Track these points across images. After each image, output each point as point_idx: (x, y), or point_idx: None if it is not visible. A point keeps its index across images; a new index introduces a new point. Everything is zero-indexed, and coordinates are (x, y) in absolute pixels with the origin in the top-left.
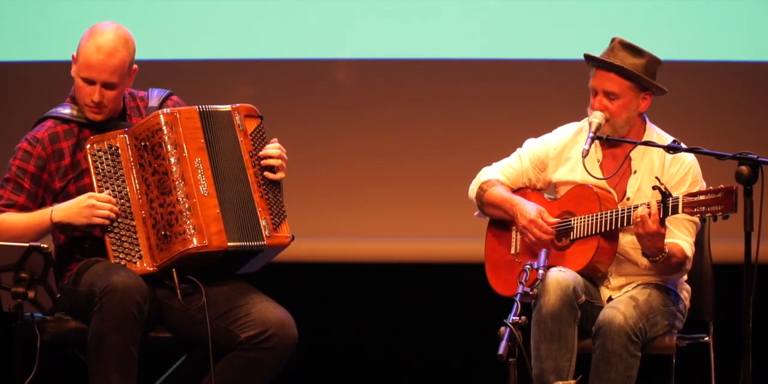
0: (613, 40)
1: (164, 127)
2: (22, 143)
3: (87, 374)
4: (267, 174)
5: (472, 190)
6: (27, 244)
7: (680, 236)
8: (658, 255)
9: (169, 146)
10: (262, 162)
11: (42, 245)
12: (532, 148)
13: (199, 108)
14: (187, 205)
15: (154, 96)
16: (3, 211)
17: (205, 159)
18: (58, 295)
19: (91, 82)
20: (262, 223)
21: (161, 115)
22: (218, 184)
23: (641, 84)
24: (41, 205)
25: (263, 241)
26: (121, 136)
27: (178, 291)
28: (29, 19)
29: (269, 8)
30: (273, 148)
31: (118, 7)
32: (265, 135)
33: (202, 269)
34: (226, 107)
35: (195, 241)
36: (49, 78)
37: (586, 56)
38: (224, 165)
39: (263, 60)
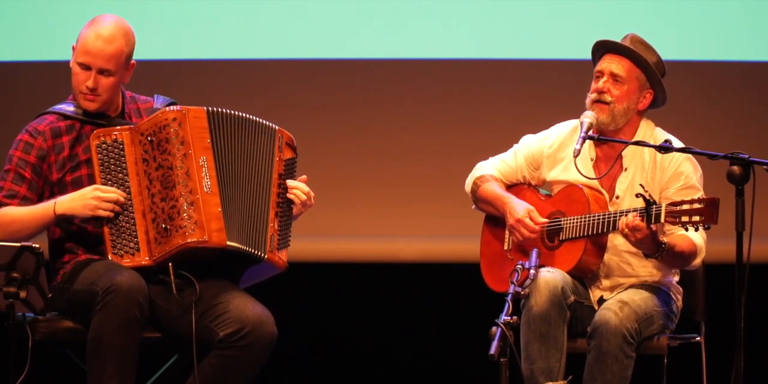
0: (626, 35)
1: (172, 123)
2: (23, 135)
3: (85, 374)
4: (291, 197)
5: (468, 184)
6: (18, 244)
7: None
8: (656, 251)
9: (176, 142)
10: (288, 190)
11: (34, 245)
12: (528, 145)
13: (207, 109)
14: (189, 200)
15: (159, 102)
16: (5, 203)
17: (210, 158)
18: (50, 295)
19: (86, 67)
20: (269, 236)
21: (170, 112)
22: (222, 184)
23: (648, 77)
24: (41, 195)
25: (265, 253)
26: (127, 131)
27: (173, 285)
28: (29, 19)
29: (269, 8)
30: (302, 186)
31: (118, 6)
32: (295, 170)
33: (195, 267)
34: (273, 125)
35: (195, 235)
36: (49, 78)
37: (600, 42)
38: (236, 169)
39: (263, 60)
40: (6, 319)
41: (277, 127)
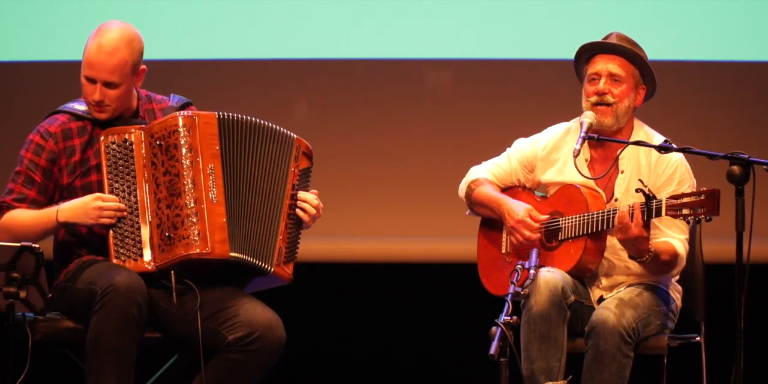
0: (610, 34)
1: (181, 129)
2: (34, 135)
3: (84, 373)
4: (298, 212)
5: (462, 189)
6: (18, 244)
7: (672, 235)
8: (644, 255)
9: (184, 149)
10: (298, 203)
11: (33, 245)
12: (521, 148)
13: (218, 114)
14: (194, 210)
15: (175, 101)
16: (14, 206)
17: (218, 166)
18: (50, 295)
19: (92, 80)
20: (278, 249)
21: (180, 117)
22: (229, 194)
23: (641, 73)
24: (51, 198)
25: (271, 266)
26: (137, 132)
27: (174, 293)
28: (29, 19)
29: (269, 8)
30: (312, 199)
31: (118, 6)
32: (310, 179)
33: (199, 275)
34: (291, 134)
35: (198, 246)
36: (49, 78)
37: (588, 44)
38: (247, 178)
39: (263, 60)
40: (6, 319)
41: (295, 136)
